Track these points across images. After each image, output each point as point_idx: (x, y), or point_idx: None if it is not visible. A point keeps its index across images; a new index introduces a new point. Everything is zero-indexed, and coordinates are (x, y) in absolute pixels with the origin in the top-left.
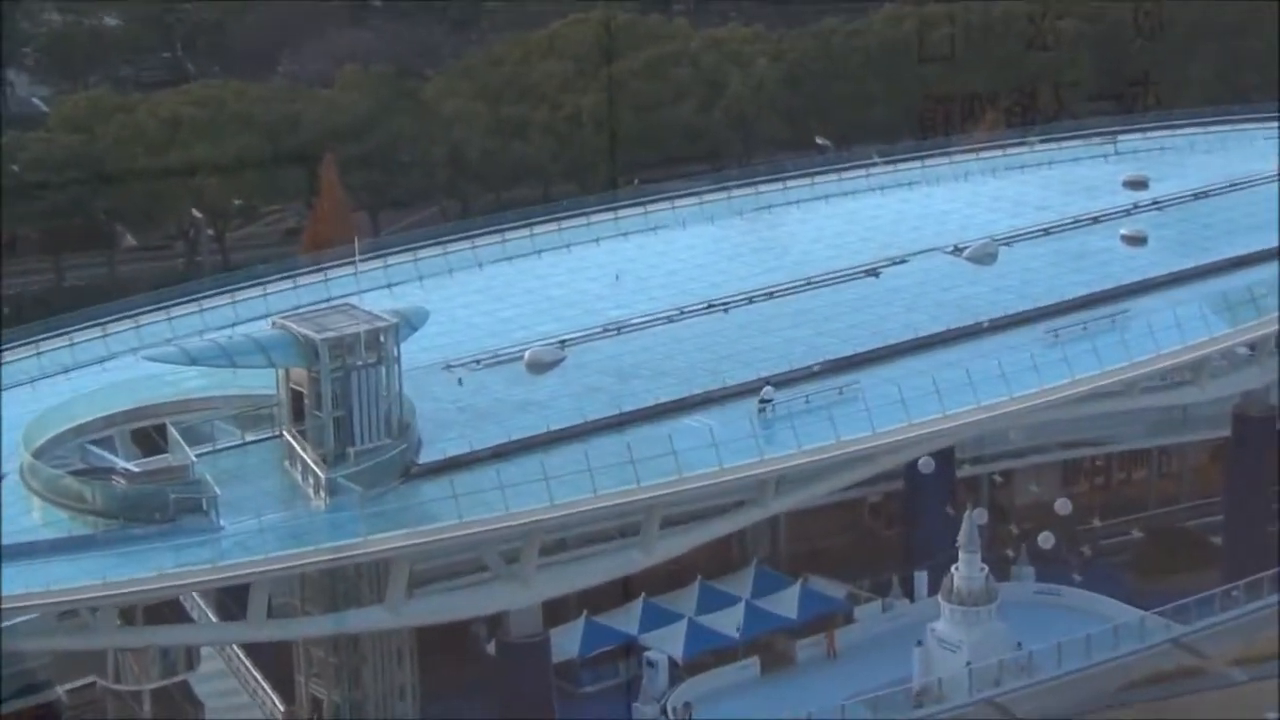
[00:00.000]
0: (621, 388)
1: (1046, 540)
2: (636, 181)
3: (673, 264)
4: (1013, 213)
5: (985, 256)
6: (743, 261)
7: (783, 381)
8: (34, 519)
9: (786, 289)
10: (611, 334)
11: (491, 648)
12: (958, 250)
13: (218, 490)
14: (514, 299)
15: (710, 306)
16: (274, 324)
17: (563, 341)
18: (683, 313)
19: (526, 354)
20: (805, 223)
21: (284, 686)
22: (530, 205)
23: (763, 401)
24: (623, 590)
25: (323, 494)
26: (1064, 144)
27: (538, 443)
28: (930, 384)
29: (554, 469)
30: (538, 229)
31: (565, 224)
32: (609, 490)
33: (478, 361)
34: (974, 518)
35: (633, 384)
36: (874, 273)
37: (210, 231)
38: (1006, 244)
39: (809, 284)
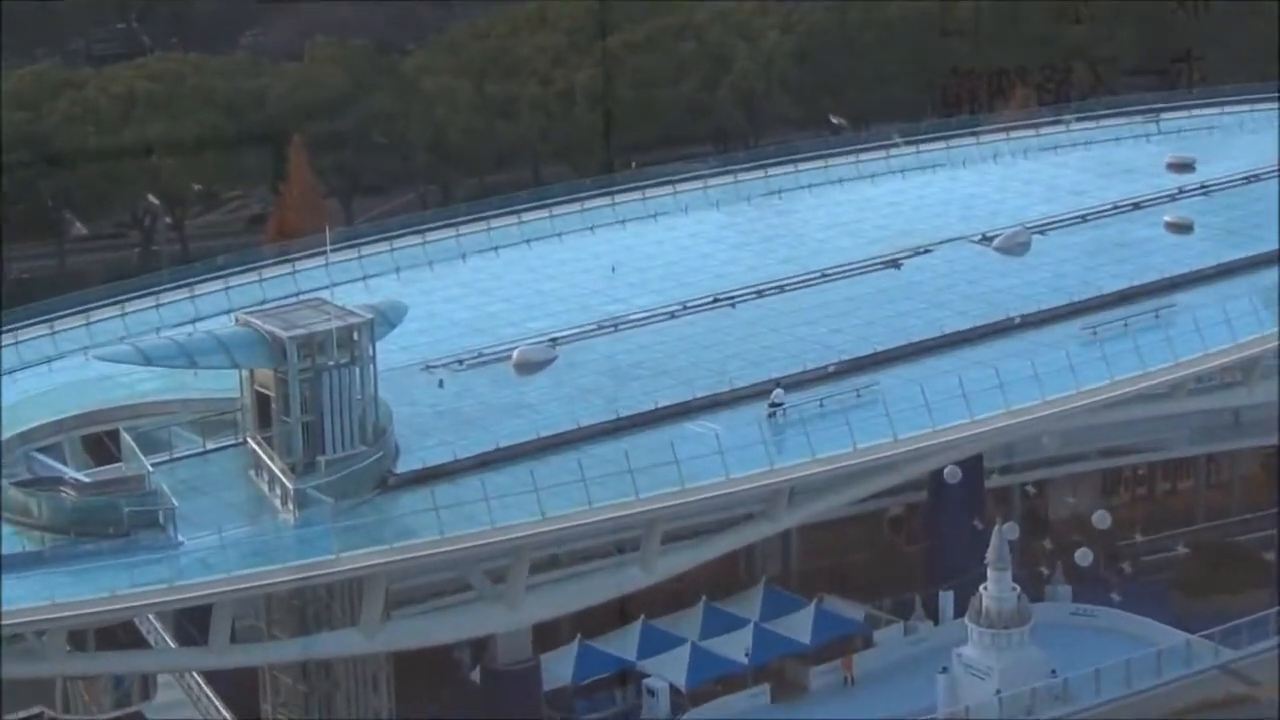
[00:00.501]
0: (618, 390)
1: (1084, 557)
2: (634, 164)
3: (674, 254)
4: (1046, 198)
5: (1016, 246)
6: (751, 251)
7: (795, 383)
8: None
9: (799, 282)
10: (607, 331)
11: (476, 675)
12: (986, 239)
13: (176, 502)
14: (501, 293)
15: (715, 301)
16: (237, 320)
17: (554, 339)
18: (685, 308)
19: (514, 353)
20: (819, 209)
21: (249, 717)
22: (518, 190)
23: (773, 405)
24: (620, 612)
25: (291, 506)
26: (1102, 123)
27: (527, 450)
28: (956, 386)
29: (545, 479)
30: (527, 216)
31: (557, 211)
32: (605, 502)
33: (461, 361)
34: (1004, 532)
35: (631, 386)
36: (895, 264)
37: (168, 219)
38: (1039, 232)
39: (823, 276)
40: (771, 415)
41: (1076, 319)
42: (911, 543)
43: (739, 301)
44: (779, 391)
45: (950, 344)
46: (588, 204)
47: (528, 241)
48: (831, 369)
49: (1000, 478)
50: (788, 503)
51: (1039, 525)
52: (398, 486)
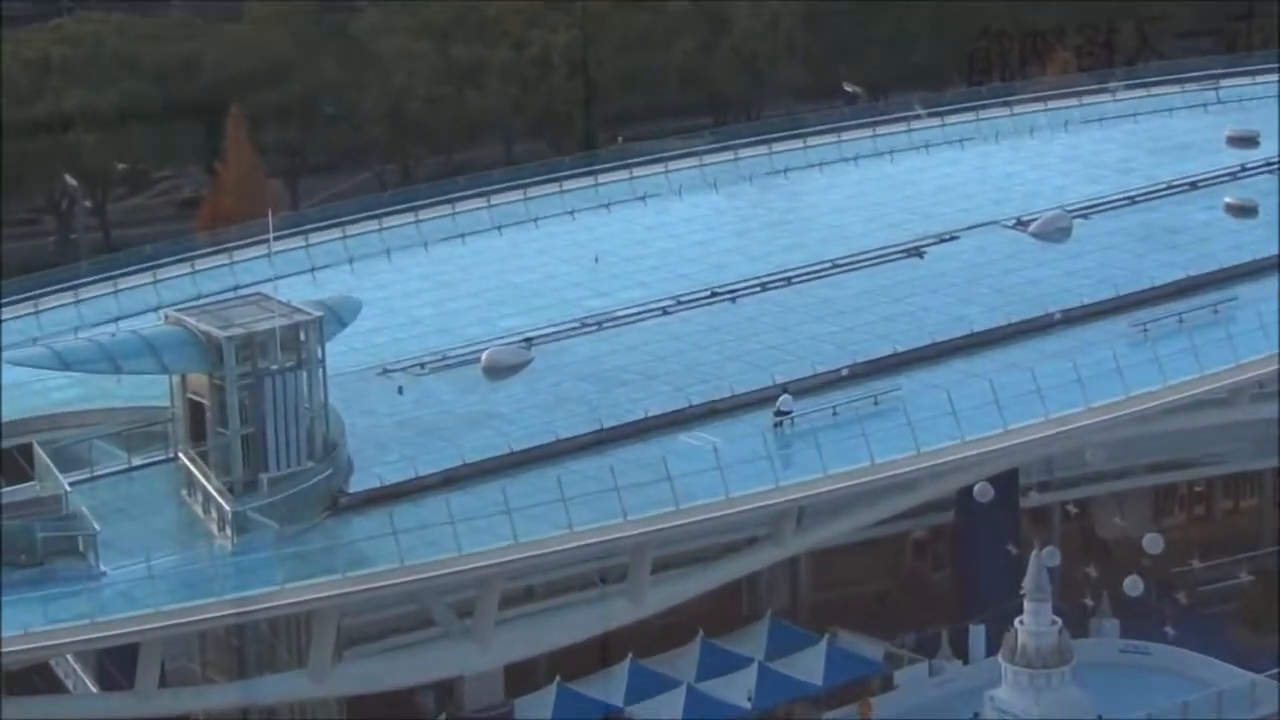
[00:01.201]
0: (602, 397)
1: (1134, 586)
2: (620, 139)
3: (666, 242)
4: (1089, 177)
5: (1056, 231)
6: (753, 239)
7: (804, 389)
8: None
9: (808, 273)
10: (590, 330)
11: None
12: (1021, 224)
13: (97, 527)
14: (468, 286)
15: (713, 295)
16: (167, 318)
17: (529, 339)
18: (679, 303)
19: (484, 355)
20: (831, 190)
21: None
22: (488, 169)
23: (779, 413)
24: (604, 650)
25: (229, 531)
26: (1152, 91)
27: (498, 466)
28: (988, 391)
29: (518, 499)
30: (498, 199)
31: (532, 193)
32: (587, 525)
33: (423, 365)
34: (1043, 558)
35: (616, 392)
36: (917, 252)
37: (87, 202)
38: (1082, 216)
39: (836, 267)
40: (777, 425)
41: (1125, 315)
42: (937, 570)
43: (740, 295)
44: (786, 398)
45: (981, 344)
46: (567, 185)
47: (499, 228)
48: (845, 372)
49: (1038, 496)
50: (796, 525)
51: (1082, 550)
52: (351, 508)
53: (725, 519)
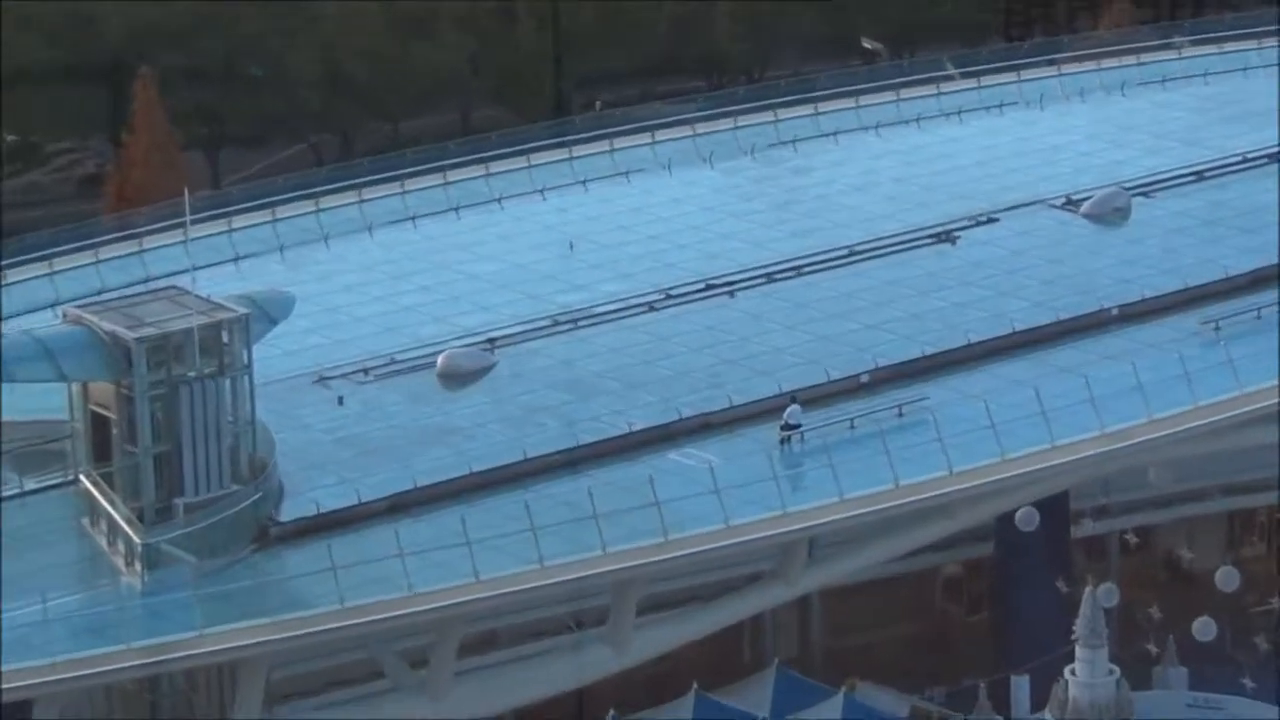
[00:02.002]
0: (579, 408)
1: (1205, 629)
2: (599, 104)
3: (653, 226)
4: (1151, 148)
5: (1112, 213)
6: (756, 222)
7: (816, 398)
8: None
9: (821, 262)
10: (564, 329)
11: None
12: (1071, 203)
13: None
14: (420, 278)
15: (709, 288)
16: (66, 316)
17: (492, 340)
18: (668, 297)
19: (440, 359)
20: (847, 165)
21: None
22: (442, 140)
23: (787, 427)
24: (580, 706)
25: (138, 566)
26: (1224, 47)
27: (456, 490)
28: (1032, 400)
29: (480, 528)
30: (454, 175)
31: (494, 168)
32: (561, 560)
33: (367, 371)
34: (1099, 597)
35: (595, 403)
36: (949, 237)
37: None
38: (1142, 194)
39: (853, 255)
40: (785, 441)
41: (1193, 310)
42: (973, 612)
43: (740, 289)
44: (794, 409)
45: (1024, 344)
46: (536, 158)
47: (455, 209)
48: (865, 379)
49: (1093, 524)
50: (807, 559)
51: (1145, 587)
52: (283, 539)
53: (723, 552)
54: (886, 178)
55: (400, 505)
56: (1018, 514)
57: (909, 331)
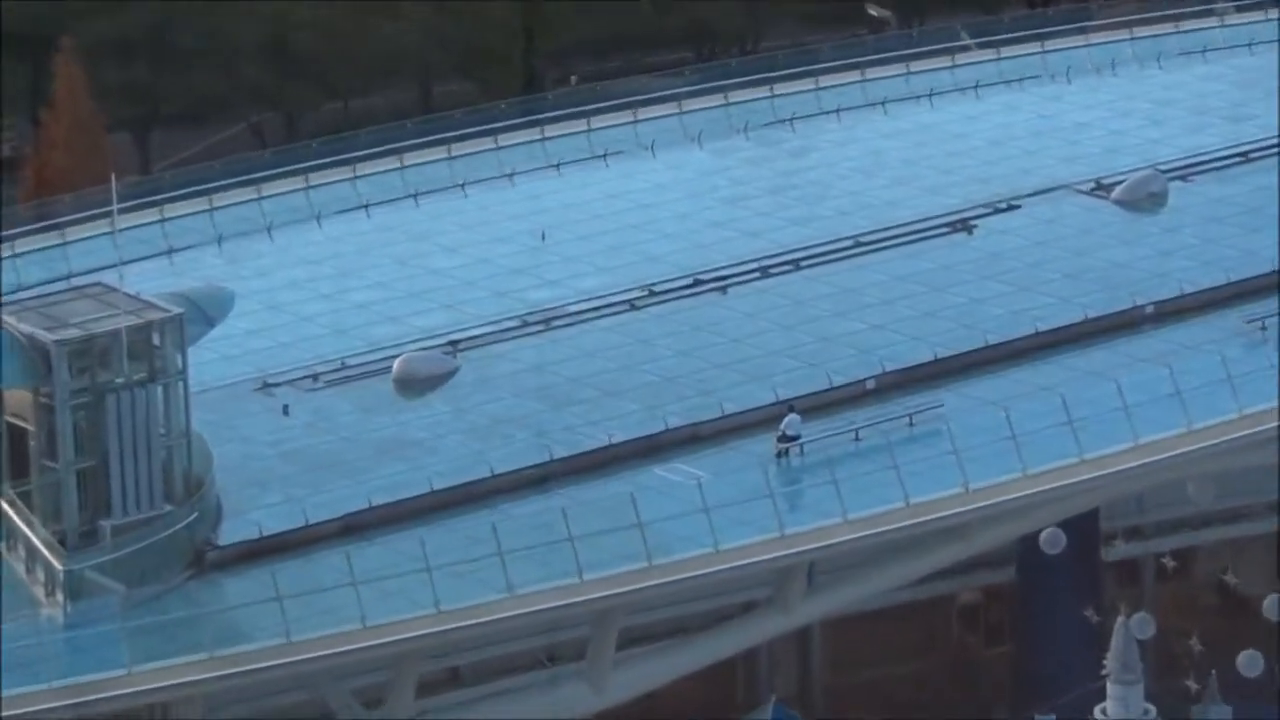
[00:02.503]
0: (552, 419)
1: (1251, 663)
2: (574, 79)
3: (635, 214)
4: (1190, 126)
5: (1146, 198)
6: (750, 209)
7: (817, 406)
8: None
9: (822, 254)
10: (535, 330)
11: None
12: (1101, 188)
13: None
14: (374, 273)
15: (697, 284)
16: None
17: (454, 343)
18: (652, 294)
19: (396, 364)
20: (852, 145)
21: None
22: (400, 119)
23: (785, 439)
24: None
25: (60, 596)
26: (1271, 13)
27: (415, 510)
28: (1058, 409)
29: (442, 553)
30: (412, 158)
31: (458, 150)
32: (533, 588)
33: (315, 377)
34: (1133, 627)
35: (570, 412)
36: (965, 226)
37: None
38: (1180, 178)
39: (859, 246)
40: (782, 455)
41: (1235, 307)
42: (992, 644)
43: (733, 284)
44: (793, 419)
45: (1049, 346)
46: (504, 140)
47: (414, 196)
48: (872, 385)
49: (1125, 546)
50: (806, 586)
51: (1184, 616)
52: (221, 565)
53: (714, 578)
54: (895, 160)
55: (353, 527)
56: (1042, 535)
57: (920, 332)
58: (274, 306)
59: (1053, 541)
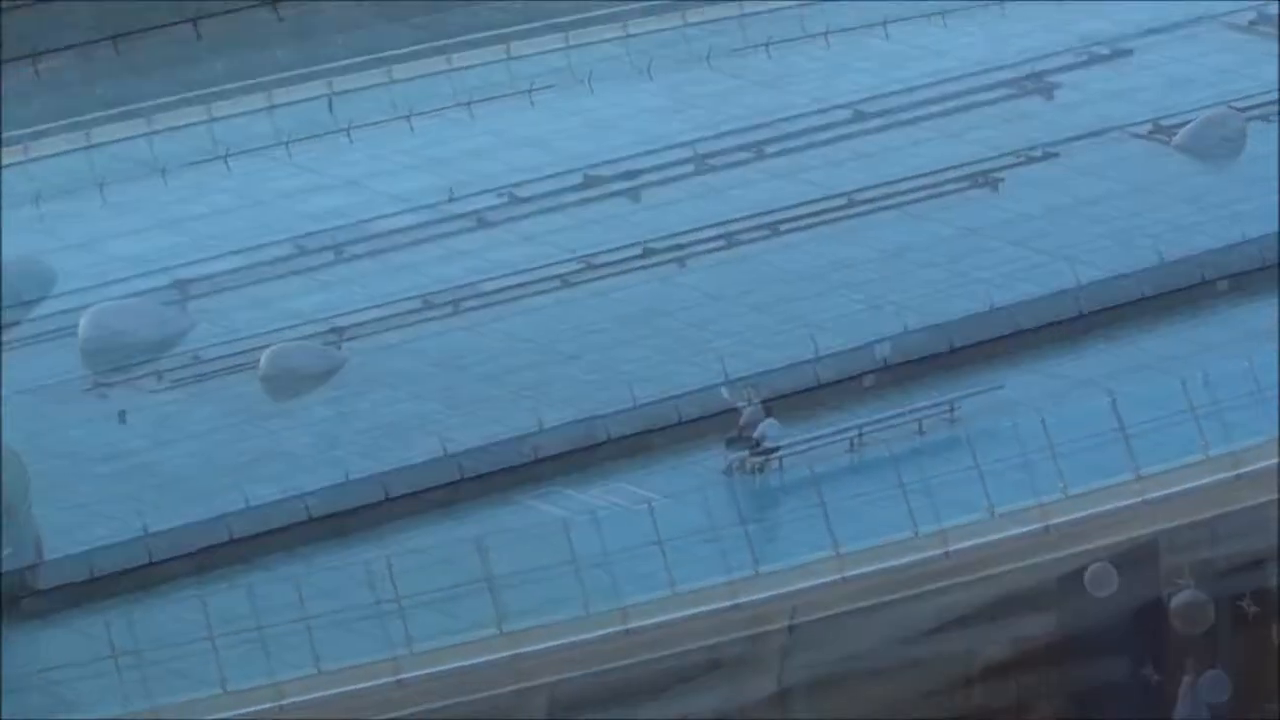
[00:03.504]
0: (462, 424)
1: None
2: None
3: (568, 162)
4: (1271, 52)
5: (1217, 144)
6: (716, 160)
7: (800, 408)
8: None
9: (807, 216)
10: (441, 312)
11: None
12: (1160, 130)
13: None
14: (234, 238)
15: (647, 254)
16: None
17: (337, 330)
18: (589, 267)
19: (264, 357)
20: (843, 76)
21: None
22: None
23: (758, 450)
24: None
25: None
26: None
27: (286, 541)
28: (1107, 411)
29: (322, 597)
30: (281, 94)
31: (340, 83)
32: (437, 644)
33: (160, 376)
34: (1203, 689)
35: (483, 417)
36: (988, 180)
37: None
38: (1260, 118)
39: (852, 204)
40: (756, 470)
41: None
42: (1026, 713)
43: (692, 254)
44: (769, 424)
45: (1094, 329)
46: (400, 71)
47: (286, 144)
48: (870, 382)
49: (1192, 589)
50: (787, 641)
51: (1267, 674)
52: (39, 614)
53: (669, 631)
54: (896, 95)
55: (208, 564)
56: (1088, 573)
57: (930, 310)
58: (106, 283)
59: (1101, 581)
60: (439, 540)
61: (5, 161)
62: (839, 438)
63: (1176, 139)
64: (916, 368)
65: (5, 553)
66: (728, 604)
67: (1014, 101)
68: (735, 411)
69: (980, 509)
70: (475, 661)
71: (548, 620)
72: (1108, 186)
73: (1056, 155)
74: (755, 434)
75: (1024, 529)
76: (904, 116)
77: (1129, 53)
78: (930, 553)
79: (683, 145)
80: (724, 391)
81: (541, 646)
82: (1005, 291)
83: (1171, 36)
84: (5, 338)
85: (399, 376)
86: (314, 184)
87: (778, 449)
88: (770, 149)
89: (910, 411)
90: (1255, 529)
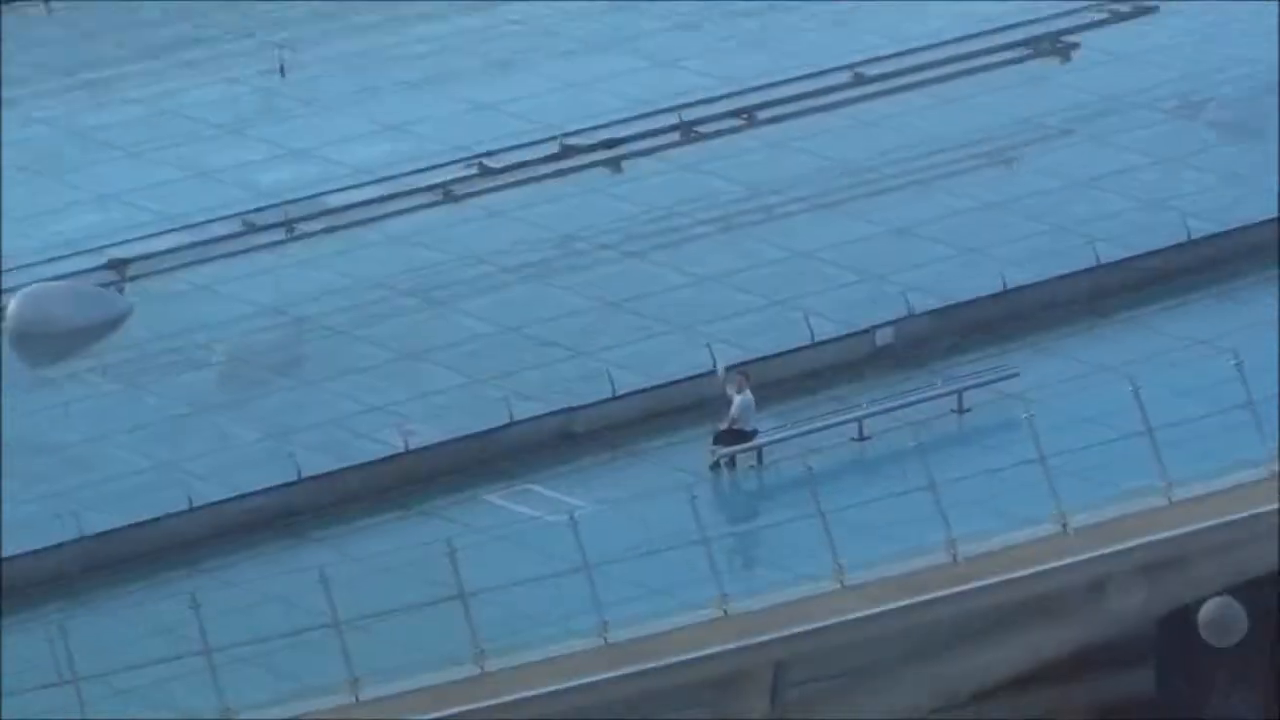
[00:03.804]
0: (421, 413)
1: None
2: None
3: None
4: None
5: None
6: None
7: (792, 395)
8: None
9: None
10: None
11: None
12: (1187, 98)
13: None
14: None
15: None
16: None
17: (119, 265)
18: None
19: (12, 304)
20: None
21: None
22: None
23: (729, 438)
24: None
25: None
26: None
27: (59, 569)
28: (1130, 401)
29: (270, 605)
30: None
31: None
32: (403, 659)
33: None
34: (1235, 703)
35: (447, 402)
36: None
37: None
38: None
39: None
40: (724, 465)
41: None
42: None
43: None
44: (743, 401)
45: (1115, 311)
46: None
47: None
48: (871, 370)
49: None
50: (771, 704)
51: None
52: None
53: (607, 690)
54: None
55: (149, 568)
56: (1203, 612)
57: (938, 293)
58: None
59: (1221, 621)
60: (399, 544)
61: None
62: (836, 430)
63: (1204, 108)
64: (921, 353)
65: None
66: (692, 655)
67: (1028, 64)
68: (724, 402)
69: (1049, 515)
70: (443, 680)
71: (439, 679)
72: (1129, 159)
73: (1074, 125)
74: (745, 427)
75: (1105, 549)
76: (908, 80)
77: (1154, 10)
78: (968, 585)
79: (668, 111)
80: (719, 372)
81: (435, 717)
82: (1018, 270)
83: None
84: None
85: (357, 365)
86: (264, 155)
87: (769, 443)
88: (762, 116)
89: (915, 401)
90: None
